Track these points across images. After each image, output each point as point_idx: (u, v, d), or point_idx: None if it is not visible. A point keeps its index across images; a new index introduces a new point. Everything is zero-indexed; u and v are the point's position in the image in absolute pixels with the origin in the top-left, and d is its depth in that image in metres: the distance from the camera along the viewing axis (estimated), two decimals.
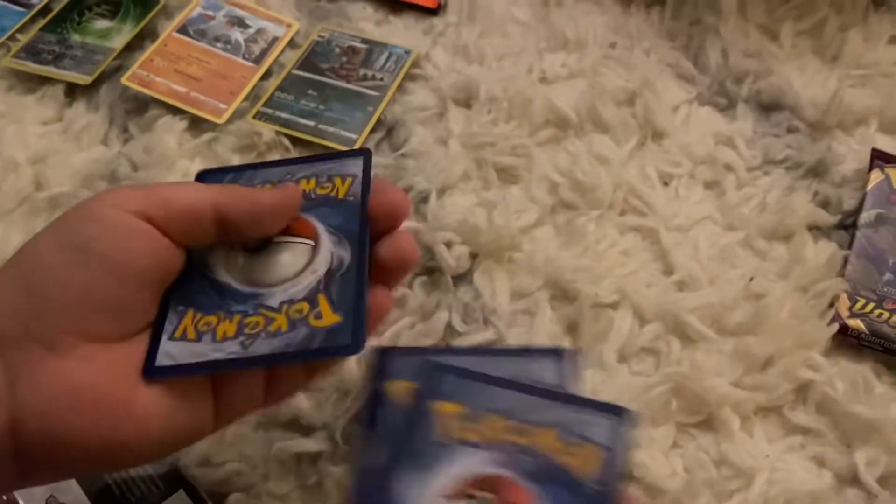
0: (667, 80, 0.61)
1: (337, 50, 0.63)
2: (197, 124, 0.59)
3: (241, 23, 0.65)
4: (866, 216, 0.52)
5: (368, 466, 0.36)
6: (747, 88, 0.60)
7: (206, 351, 0.33)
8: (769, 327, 0.47)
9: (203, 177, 0.39)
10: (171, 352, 0.32)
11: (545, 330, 0.48)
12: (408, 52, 0.62)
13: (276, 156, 0.57)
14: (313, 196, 0.38)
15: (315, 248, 0.35)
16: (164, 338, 0.33)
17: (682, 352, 0.47)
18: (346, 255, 0.35)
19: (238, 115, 0.59)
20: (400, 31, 0.65)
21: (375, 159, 0.57)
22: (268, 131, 0.57)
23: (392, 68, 0.62)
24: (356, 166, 0.39)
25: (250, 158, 0.57)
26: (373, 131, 0.58)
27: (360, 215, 0.37)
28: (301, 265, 0.35)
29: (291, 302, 0.34)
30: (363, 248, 0.35)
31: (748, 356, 0.46)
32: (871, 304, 0.48)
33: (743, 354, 0.46)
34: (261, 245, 0.36)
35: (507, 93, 0.59)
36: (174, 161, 0.56)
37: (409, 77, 0.62)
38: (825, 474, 0.43)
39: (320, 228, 0.36)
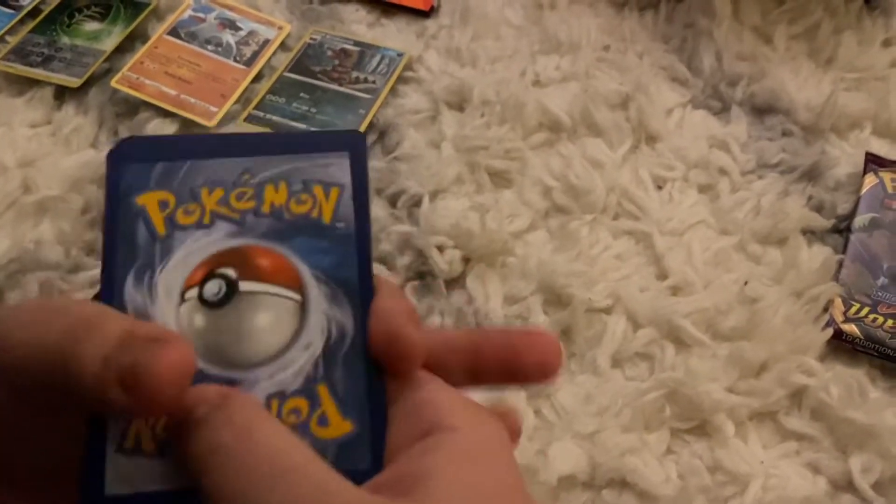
0: (660, 84, 0.60)
1: (329, 52, 0.62)
2: (187, 127, 0.58)
3: (232, 25, 0.64)
4: (860, 220, 0.52)
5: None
6: (741, 91, 0.60)
7: (172, 473, 0.23)
8: (763, 332, 0.47)
9: (122, 151, 0.27)
10: (124, 472, 0.23)
11: None
12: (400, 55, 0.62)
13: None
14: (286, 216, 0.26)
15: (303, 307, 0.25)
16: (110, 450, 0.23)
17: (676, 357, 0.47)
18: (346, 319, 0.25)
19: (229, 117, 0.59)
20: (392, 34, 0.65)
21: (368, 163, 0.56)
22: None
23: (384, 71, 0.61)
24: (342, 167, 0.27)
25: None
26: (365, 134, 0.58)
27: (357, 255, 0.26)
28: (287, 334, 0.25)
29: (283, 396, 0.24)
30: (367, 308, 0.25)
31: (742, 361, 0.46)
32: (866, 309, 0.48)
33: (737, 360, 0.46)
34: (224, 296, 0.25)
35: (501, 96, 0.59)
36: None
37: (402, 80, 0.61)
38: (820, 480, 0.43)
39: (305, 273, 0.26)
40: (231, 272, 0.25)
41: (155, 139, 0.27)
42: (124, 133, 0.58)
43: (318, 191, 0.27)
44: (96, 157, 0.57)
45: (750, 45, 0.63)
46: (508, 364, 0.26)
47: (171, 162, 0.27)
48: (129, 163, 0.26)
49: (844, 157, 0.57)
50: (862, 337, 0.46)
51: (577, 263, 0.50)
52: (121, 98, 0.59)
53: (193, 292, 0.25)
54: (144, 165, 0.26)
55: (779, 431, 0.45)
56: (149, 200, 0.26)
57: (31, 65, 0.60)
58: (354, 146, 0.27)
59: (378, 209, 0.54)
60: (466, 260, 0.51)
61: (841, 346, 0.47)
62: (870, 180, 0.54)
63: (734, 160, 0.56)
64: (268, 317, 0.25)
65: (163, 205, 0.26)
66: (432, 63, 0.62)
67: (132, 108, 0.59)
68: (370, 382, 0.25)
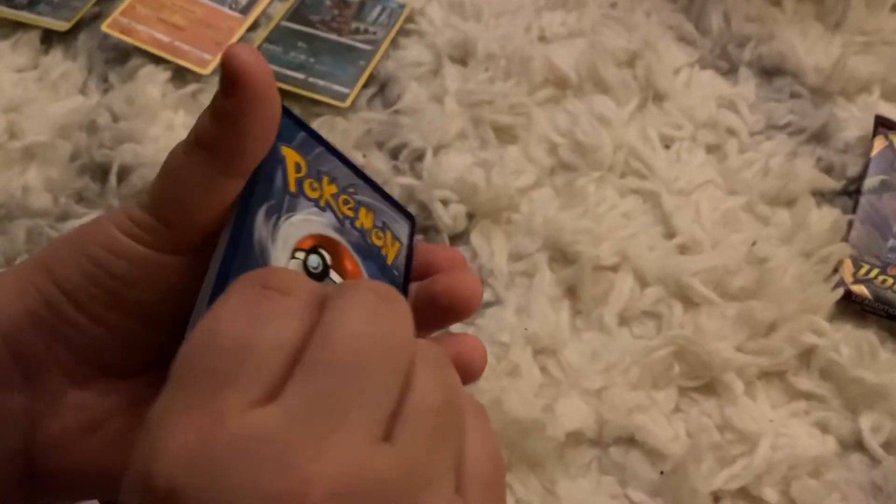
0: (668, 43, 0.59)
1: (328, 2, 0.60)
2: (181, 75, 0.56)
3: None
4: (870, 182, 0.51)
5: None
6: (749, 53, 0.59)
7: None
8: (772, 292, 0.46)
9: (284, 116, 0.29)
10: None
11: (544, 292, 0.47)
12: (402, 7, 0.60)
13: None
14: (367, 240, 0.30)
15: None
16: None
17: (684, 315, 0.46)
18: None
19: None
20: None
21: (368, 115, 0.55)
22: None
23: (385, 22, 0.59)
24: (404, 231, 0.32)
25: None
26: (365, 86, 0.56)
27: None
28: None
29: None
30: None
31: (751, 321, 0.45)
32: (876, 270, 0.47)
33: (746, 319, 0.45)
34: (319, 274, 0.28)
35: (505, 50, 0.57)
36: (157, 112, 0.53)
37: (403, 32, 0.60)
38: (829, 440, 0.43)
39: None
40: (328, 258, 0.28)
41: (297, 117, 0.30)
42: (115, 80, 0.56)
43: (388, 236, 0.31)
44: (85, 104, 0.55)
45: (758, 6, 0.62)
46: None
47: (309, 137, 0.29)
48: (284, 116, 0.27)
49: (853, 120, 0.56)
50: (871, 298, 0.46)
51: (584, 221, 0.49)
52: (111, 44, 0.57)
53: (301, 255, 0.27)
54: (293, 125, 0.28)
55: (788, 391, 0.44)
56: (289, 155, 0.28)
57: (16, 7, 0.58)
58: (412, 222, 0.33)
59: (379, 162, 0.52)
60: (470, 216, 0.50)
61: (850, 306, 0.46)
62: (879, 143, 0.53)
63: (743, 121, 0.55)
64: None
65: (297, 167, 0.28)
66: (435, 16, 0.61)
67: (123, 54, 0.57)
68: None
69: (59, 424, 0.28)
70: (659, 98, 0.56)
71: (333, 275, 0.28)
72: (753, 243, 0.49)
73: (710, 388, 0.44)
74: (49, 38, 0.58)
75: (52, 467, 0.29)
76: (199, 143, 0.26)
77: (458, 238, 0.49)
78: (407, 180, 0.51)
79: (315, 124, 0.53)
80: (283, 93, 0.55)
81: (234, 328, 0.21)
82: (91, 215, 0.49)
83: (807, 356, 0.45)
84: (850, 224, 0.49)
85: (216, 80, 0.55)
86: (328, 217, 0.28)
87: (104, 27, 0.57)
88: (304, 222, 0.28)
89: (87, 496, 0.33)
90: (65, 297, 0.28)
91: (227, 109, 0.25)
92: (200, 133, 0.26)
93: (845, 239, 0.48)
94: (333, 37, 0.58)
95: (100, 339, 0.28)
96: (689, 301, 0.47)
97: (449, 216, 0.49)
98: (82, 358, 0.29)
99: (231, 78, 0.25)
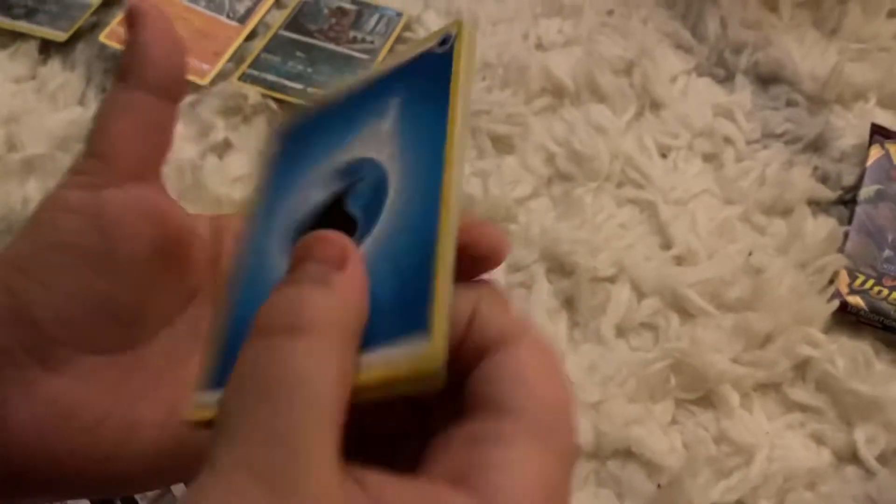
0: (665, 50, 0.59)
1: (325, 11, 0.60)
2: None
3: None
4: (866, 192, 0.51)
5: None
6: (745, 60, 0.59)
7: None
8: (768, 303, 0.46)
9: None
10: None
11: (542, 303, 0.47)
12: (399, 15, 0.60)
13: (261, 120, 0.55)
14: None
15: None
16: None
17: (681, 327, 0.46)
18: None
19: (222, 76, 0.57)
20: None
21: None
22: (254, 94, 0.55)
23: (383, 31, 0.59)
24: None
25: (235, 122, 0.55)
26: None
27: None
28: None
29: None
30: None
31: (747, 332, 0.45)
32: (871, 281, 0.47)
33: (742, 330, 0.45)
34: None
35: (503, 59, 0.57)
36: None
37: (401, 40, 0.60)
38: (824, 452, 0.43)
39: None
40: None
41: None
42: None
43: None
44: (83, 115, 0.55)
45: (755, 12, 0.62)
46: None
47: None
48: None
49: (849, 127, 0.56)
50: (867, 309, 0.46)
51: (581, 231, 0.49)
52: (109, 53, 0.57)
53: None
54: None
55: (783, 402, 0.45)
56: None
57: (14, 17, 0.58)
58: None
59: None
60: None
61: (846, 318, 0.47)
62: (875, 152, 0.53)
63: (739, 129, 0.55)
64: None
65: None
66: (431, 24, 0.61)
67: None
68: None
69: (30, 412, 0.27)
70: (656, 106, 0.57)
71: None
72: (750, 253, 0.49)
73: (707, 400, 0.44)
74: (47, 48, 0.58)
75: (28, 460, 0.27)
76: (115, 77, 0.28)
77: None
78: None
79: None
80: (281, 103, 0.55)
81: None
82: None
83: (802, 368, 0.45)
84: (846, 234, 0.49)
85: (215, 90, 0.56)
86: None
87: (102, 37, 0.57)
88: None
89: (71, 494, 0.32)
90: (21, 275, 0.27)
91: (130, 36, 0.28)
92: (116, 70, 0.29)
93: (841, 249, 0.49)
94: (331, 46, 0.58)
95: (65, 310, 0.27)
96: (685, 312, 0.47)
97: None
98: (49, 336, 0.27)
99: (132, 14, 0.28)
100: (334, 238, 0.23)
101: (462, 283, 0.23)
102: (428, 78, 0.26)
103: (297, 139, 0.29)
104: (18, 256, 0.28)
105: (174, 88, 0.29)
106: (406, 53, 0.27)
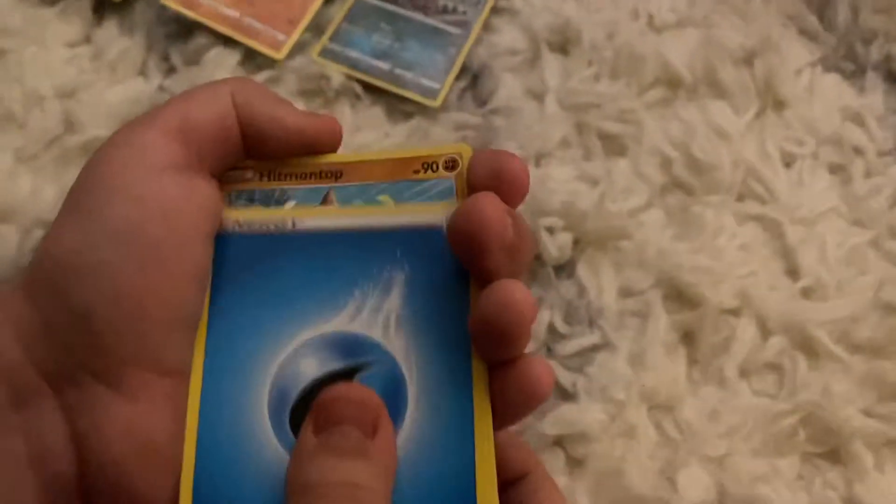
0: (789, 38, 0.53)
1: None
2: (252, 58, 0.50)
3: None
4: None
5: None
6: (877, 52, 0.53)
7: None
8: None
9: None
10: None
11: (659, 338, 0.43)
12: None
13: (345, 106, 0.49)
14: None
15: None
16: None
17: (809, 372, 0.43)
18: None
19: (298, 48, 0.51)
20: None
21: (460, 116, 0.50)
22: (337, 74, 0.49)
23: (475, 0, 0.53)
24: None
25: (316, 105, 0.49)
26: (455, 78, 0.51)
27: None
28: None
29: None
30: None
31: (881, 382, 0.42)
32: None
33: (875, 379, 0.42)
34: None
35: (613, 42, 0.51)
36: None
37: (495, 11, 0.53)
38: None
39: None
40: None
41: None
42: (177, 60, 0.50)
43: None
44: (146, 89, 0.49)
45: None
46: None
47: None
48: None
49: None
50: None
51: (702, 256, 0.45)
52: (171, 16, 0.51)
53: None
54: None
55: None
56: None
57: None
58: None
59: None
60: (575, 241, 0.46)
61: None
62: None
63: (870, 138, 0.50)
64: None
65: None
66: None
67: (185, 29, 0.51)
68: None
69: (108, 450, 0.24)
70: (778, 105, 0.51)
71: None
72: (880, 288, 0.45)
73: (835, 455, 0.41)
74: (101, 7, 0.51)
75: (109, 498, 0.24)
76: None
77: (562, 269, 0.45)
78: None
79: (405, 129, 0.48)
80: (366, 86, 0.50)
81: None
82: None
83: None
84: None
85: (291, 65, 0.50)
86: None
87: None
88: None
89: None
90: (75, 276, 0.25)
91: None
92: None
93: None
94: (419, 17, 0.52)
95: (130, 321, 0.24)
96: (812, 352, 0.44)
97: (555, 246, 0.45)
98: (114, 353, 0.24)
99: None
100: (367, 402, 0.23)
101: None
102: (431, 253, 0.26)
103: (246, 257, 0.27)
104: (67, 251, 0.25)
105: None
106: (403, 209, 0.27)
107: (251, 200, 0.28)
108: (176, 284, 0.25)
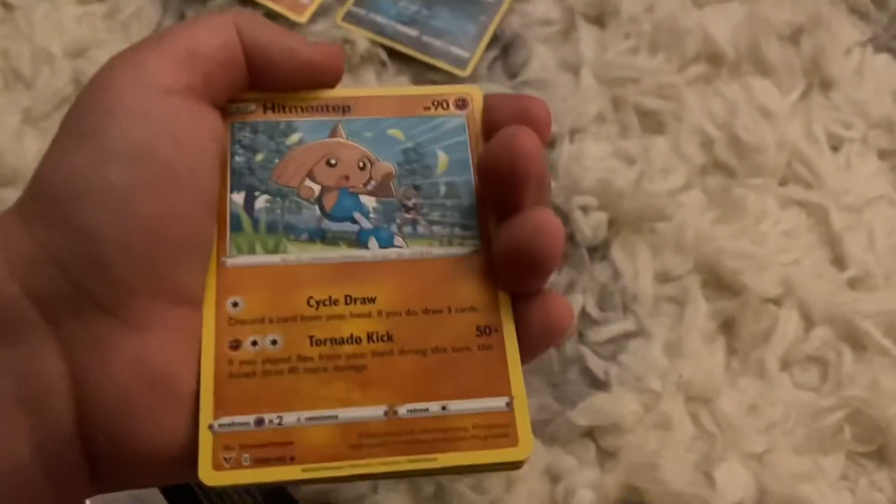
0: (839, 15, 0.50)
1: None
2: (272, 21, 0.48)
3: None
4: None
5: None
6: None
7: None
8: None
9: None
10: None
11: (698, 326, 0.41)
12: None
13: (370, 72, 0.47)
14: None
15: None
16: None
17: (855, 365, 0.40)
18: None
19: (321, 12, 0.48)
20: None
21: (489, 87, 0.47)
22: (362, 40, 0.46)
23: None
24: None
25: None
26: (486, 48, 0.48)
27: None
28: None
29: None
30: None
31: None
32: None
33: None
34: None
35: (652, 15, 0.49)
36: None
37: None
38: None
39: None
40: None
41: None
42: None
43: None
44: None
45: None
46: None
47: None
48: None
49: None
50: None
51: (744, 241, 0.43)
52: None
53: None
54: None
55: None
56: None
57: None
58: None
59: None
60: (610, 222, 0.44)
61: None
62: None
63: None
64: None
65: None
66: None
67: None
68: None
69: (113, 387, 0.22)
70: (825, 85, 0.48)
71: None
72: None
73: (882, 454, 0.39)
74: None
75: (113, 445, 0.23)
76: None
77: (596, 251, 0.43)
78: None
79: None
80: (393, 53, 0.47)
81: None
82: None
83: None
84: None
85: (313, 29, 0.47)
86: None
87: None
88: None
89: (160, 480, 0.28)
90: (80, 201, 0.23)
91: None
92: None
93: None
94: None
95: (139, 247, 0.23)
96: (858, 345, 0.41)
97: (589, 226, 0.43)
98: (123, 282, 0.23)
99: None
100: None
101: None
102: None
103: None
104: (71, 174, 0.23)
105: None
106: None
107: (255, 132, 0.27)
108: (190, 208, 0.24)
